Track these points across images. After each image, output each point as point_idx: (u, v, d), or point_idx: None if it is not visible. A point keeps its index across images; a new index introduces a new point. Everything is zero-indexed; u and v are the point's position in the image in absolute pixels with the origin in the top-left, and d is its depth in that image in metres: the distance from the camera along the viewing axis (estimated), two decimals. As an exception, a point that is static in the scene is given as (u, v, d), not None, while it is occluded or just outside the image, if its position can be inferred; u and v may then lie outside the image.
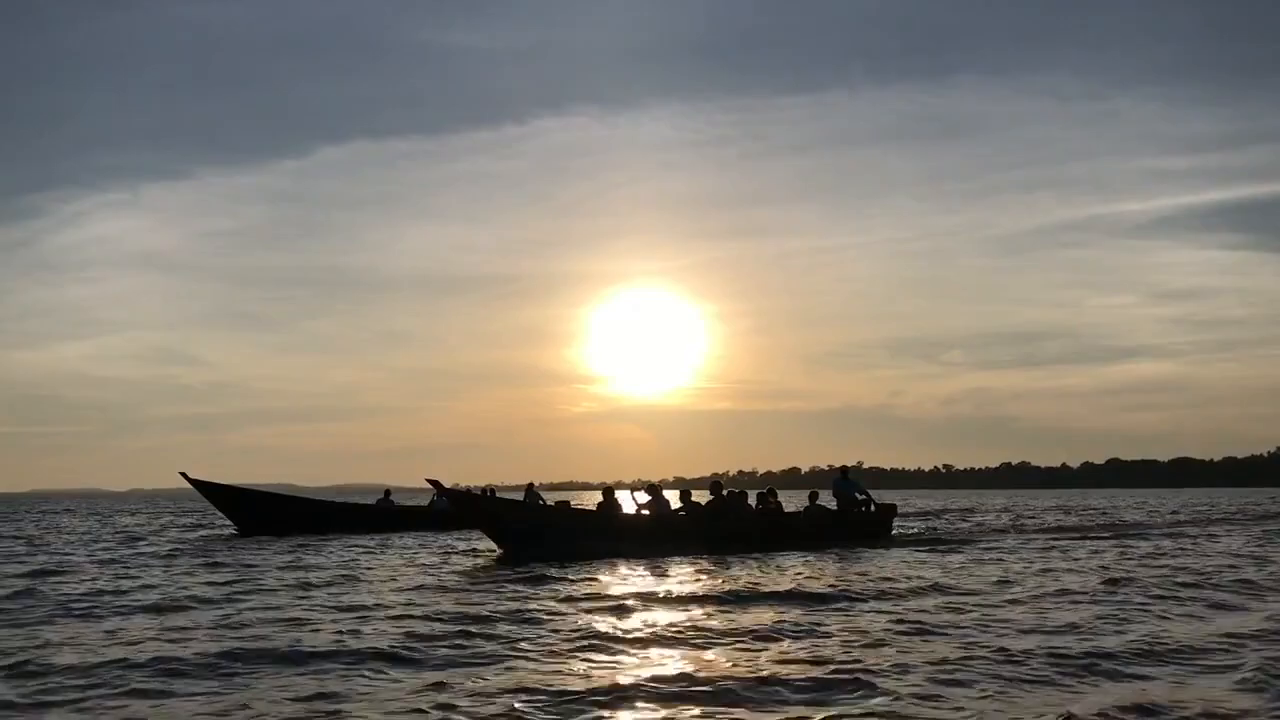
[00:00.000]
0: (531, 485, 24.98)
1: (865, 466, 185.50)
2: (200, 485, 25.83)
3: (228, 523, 27.10)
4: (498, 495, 21.31)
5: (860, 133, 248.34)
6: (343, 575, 13.89)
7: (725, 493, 19.73)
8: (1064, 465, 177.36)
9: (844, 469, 21.51)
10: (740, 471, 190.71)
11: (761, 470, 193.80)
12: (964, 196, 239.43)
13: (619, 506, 18.86)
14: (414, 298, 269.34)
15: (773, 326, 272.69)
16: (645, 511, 18.83)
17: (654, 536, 18.05)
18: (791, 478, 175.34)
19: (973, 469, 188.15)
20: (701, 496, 20.05)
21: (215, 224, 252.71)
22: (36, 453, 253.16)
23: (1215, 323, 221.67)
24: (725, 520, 19.06)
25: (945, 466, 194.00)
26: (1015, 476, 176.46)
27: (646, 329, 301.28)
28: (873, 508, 20.93)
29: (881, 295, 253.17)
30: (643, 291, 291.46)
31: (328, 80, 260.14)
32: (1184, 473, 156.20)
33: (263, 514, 25.77)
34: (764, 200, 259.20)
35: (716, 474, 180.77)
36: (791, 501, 23.45)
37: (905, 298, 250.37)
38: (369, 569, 15.00)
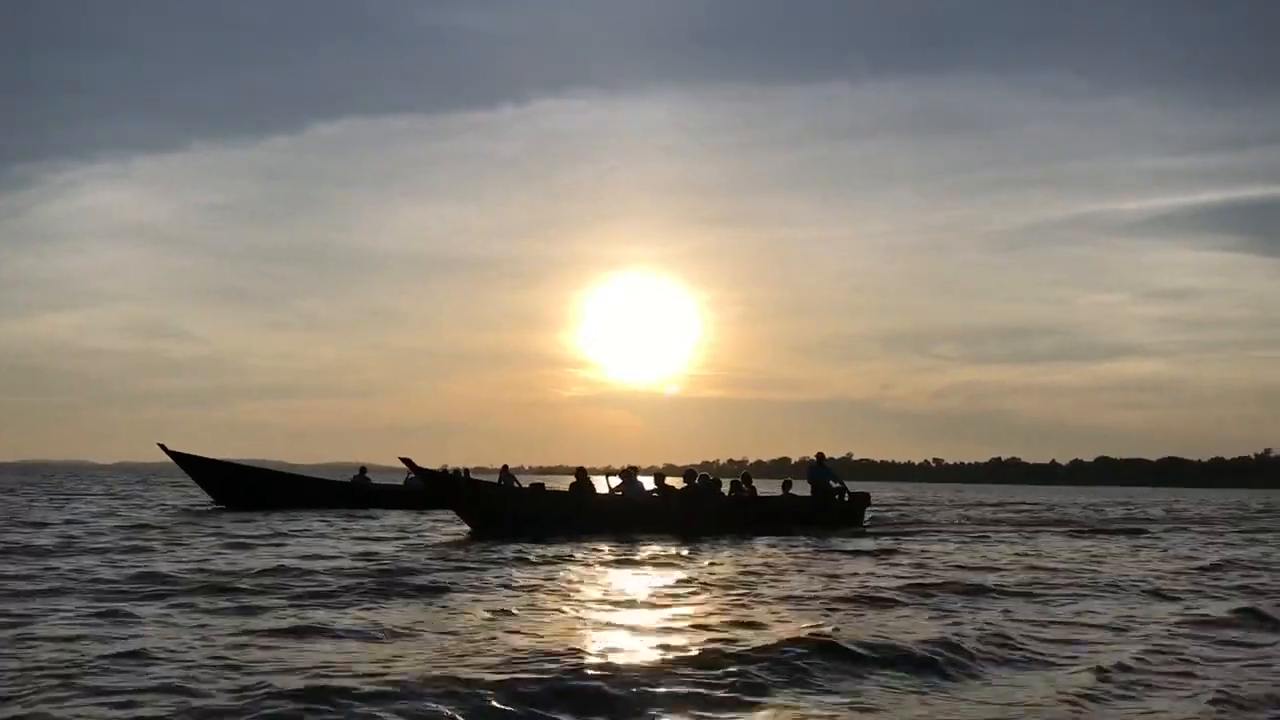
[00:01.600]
0: (505, 468, 24.97)
1: (855, 458, 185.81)
2: (179, 458, 25.82)
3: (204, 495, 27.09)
4: (473, 476, 21.34)
5: (859, 125, 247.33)
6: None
7: (699, 478, 19.77)
8: (1053, 462, 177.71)
9: (819, 456, 21.50)
10: (730, 460, 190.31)
11: (752, 459, 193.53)
12: (961, 191, 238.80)
13: (592, 489, 18.89)
14: (406, 277, 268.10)
15: (765, 315, 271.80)
16: (619, 494, 18.88)
17: (625, 519, 18.06)
18: (782, 467, 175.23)
19: (963, 463, 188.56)
20: (676, 482, 20.12)
21: (207, 198, 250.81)
22: (23, 423, 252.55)
23: (1207, 323, 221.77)
24: (698, 505, 19.09)
25: (935, 460, 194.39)
26: (1005, 472, 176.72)
27: (639, 315, 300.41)
28: (846, 496, 20.96)
29: (874, 287, 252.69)
30: (636, 277, 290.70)
31: (323, 56, 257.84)
32: (1172, 472, 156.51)
33: (240, 488, 25.75)
34: (760, 189, 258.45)
35: (707, 462, 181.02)
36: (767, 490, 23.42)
37: (898, 290, 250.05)
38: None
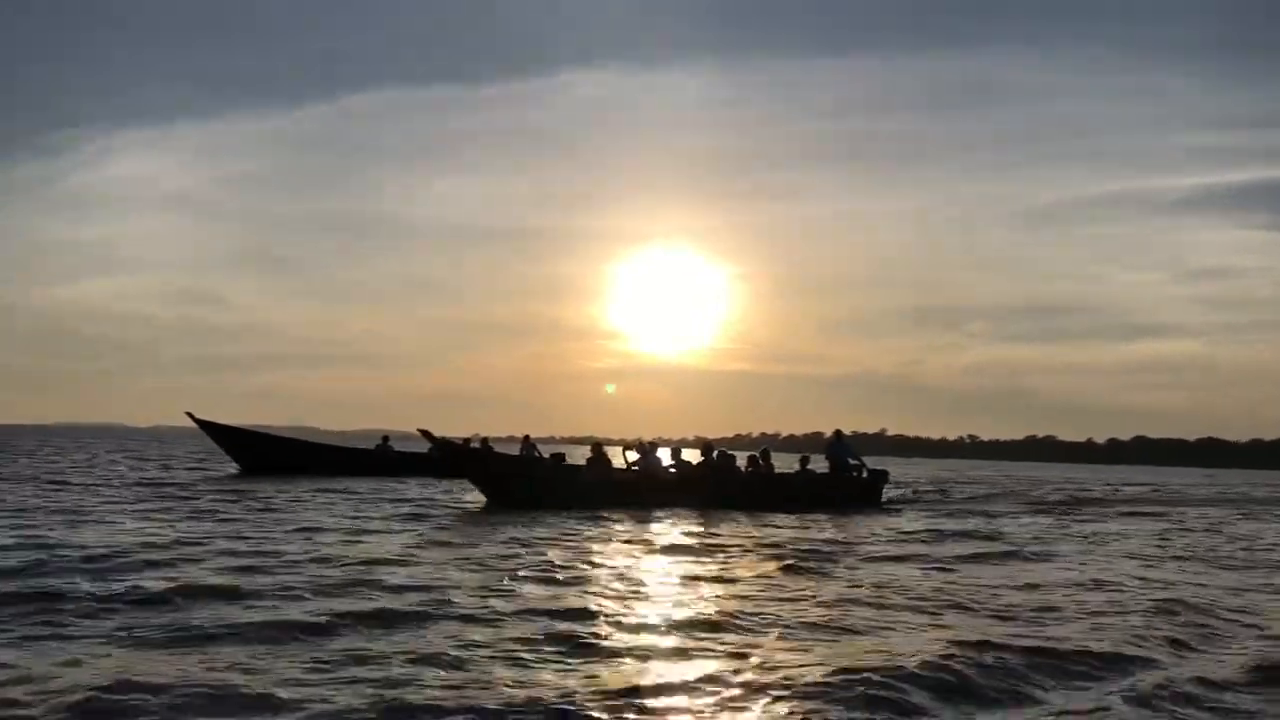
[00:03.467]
0: (527, 438, 25.02)
1: (889, 434, 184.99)
2: (205, 425, 26.18)
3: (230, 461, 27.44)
4: (491, 447, 21.41)
5: (891, 98, 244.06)
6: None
7: (715, 453, 19.71)
8: (1089, 441, 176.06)
9: (838, 433, 21.36)
10: (762, 433, 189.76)
11: (784, 433, 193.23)
12: (994, 166, 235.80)
13: (608, 461, 18.88)
14: (438, 248, 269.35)
15: (794, 289, 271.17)
16: (636, 468, 18.86)
17: (642, 493, 18.04)
18: (814, 442, 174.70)
19: (998, 440, 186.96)
20: (694, 455, 20.06)
21: (243, 166, 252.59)
22: (61, 387, 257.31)
23: (1245, 303, 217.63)
24: (714, 480, 19.03)
25: (970, 437, 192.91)
26: (1040, 450, 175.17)
27: (669, 287, 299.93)
28: (865, 473, 20.81)
29: (904, 263, 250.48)
30: (666, 250, 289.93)
31: (360, 25, 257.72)
32: (1211, 453, 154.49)
33: (264, 455, 26.09)
34: (791, 163, 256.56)
35: (739, 435, 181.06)
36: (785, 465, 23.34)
37: (928, 266, 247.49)
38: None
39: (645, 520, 15.19)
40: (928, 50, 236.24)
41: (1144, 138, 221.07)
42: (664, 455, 19.44)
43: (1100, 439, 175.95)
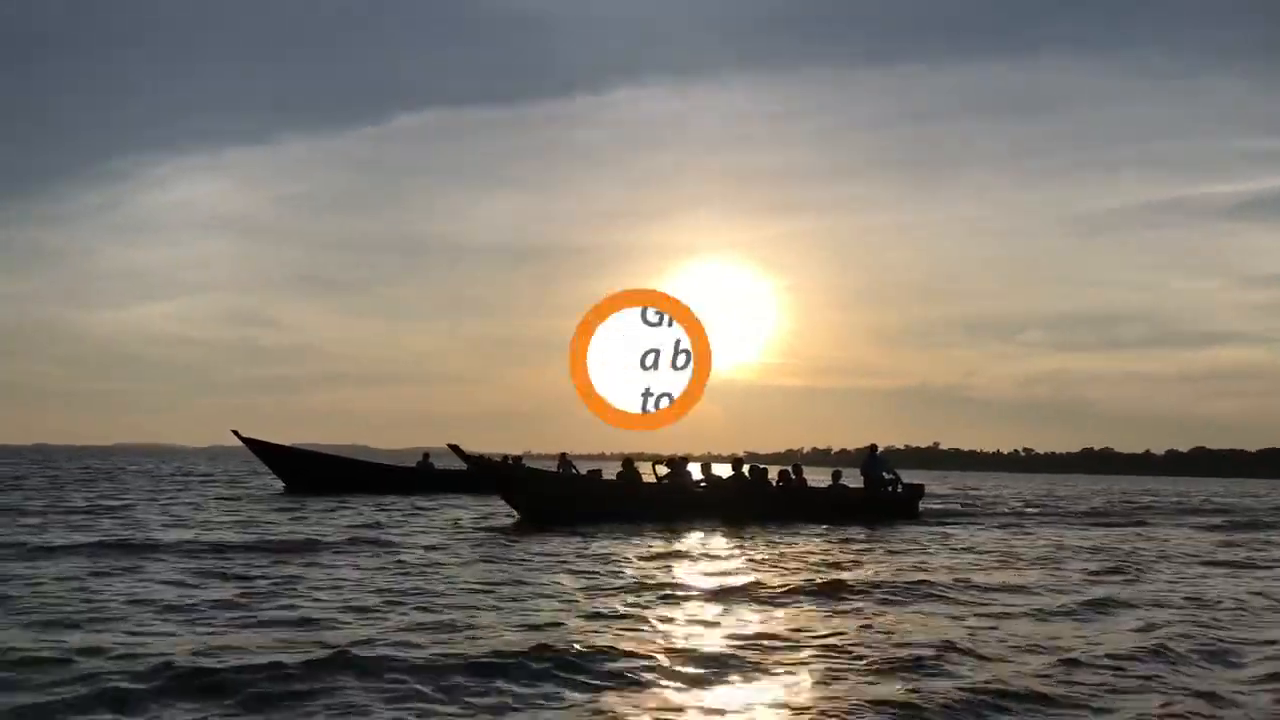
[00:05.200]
0: (564, 455, 25.23)
1: (942, 447, 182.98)
2: (250, 443, 26.71)
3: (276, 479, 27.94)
4: (524, 463, 21.63)
5: (941, 107, 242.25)
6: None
7: (746, 468, 19.71)
8: (1148, 452, 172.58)
9: (873, 447, 21.29)
10: (814, 448, 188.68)
11: (837, 448, 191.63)
12: (1047, 174, 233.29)
13: (638, 476, 18.97)
14: (488, 266, 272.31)
15: (846, 302, 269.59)
16: (666, 482, 18.92)
17: (673, 508, 18.10)
18: (866, 457, 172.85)
19: (1054, 453, 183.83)
20: (724, 470, 20.06)
21: (294, 188, 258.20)
22: (119, 409, 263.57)
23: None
24: (745, 495, 19.04)
25: (1025, 450, 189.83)
26: (1098, 462, 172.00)
27: (718, 303, 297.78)
28: (899, 488, 20.70)
29: (958, 273, 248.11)
30: (715, 265, 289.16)
31: (406, 47, 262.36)
32: (1274, 462, 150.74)
33: (308, 472, 26.55)
34: (840, 175, 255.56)
35: (791, 450, 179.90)
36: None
37: (983, 276, 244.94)
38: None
39: (672, 534, 15.27)
40: (976, 58, 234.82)
41: (1197, 142, 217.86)
42: (694, 470, 19.51)
43: (1159, 450, 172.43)
